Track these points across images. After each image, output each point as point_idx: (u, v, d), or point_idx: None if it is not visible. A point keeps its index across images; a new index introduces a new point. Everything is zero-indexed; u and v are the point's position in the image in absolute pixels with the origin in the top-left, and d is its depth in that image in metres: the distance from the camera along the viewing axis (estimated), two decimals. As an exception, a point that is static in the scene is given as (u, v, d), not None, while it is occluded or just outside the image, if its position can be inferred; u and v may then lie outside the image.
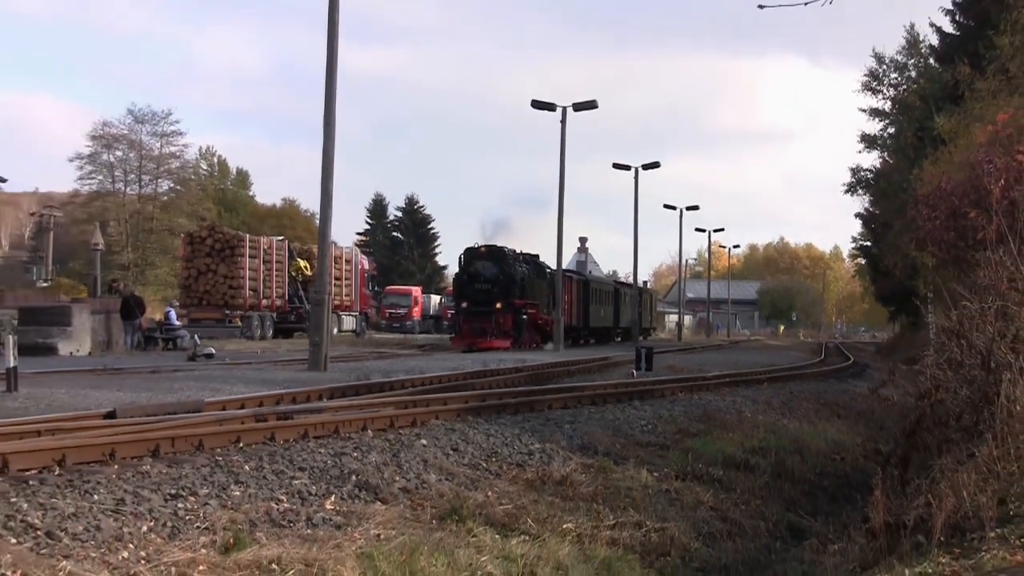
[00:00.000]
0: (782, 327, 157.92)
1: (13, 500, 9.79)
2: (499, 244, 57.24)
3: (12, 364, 20.29)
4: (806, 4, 8.77)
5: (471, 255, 56.30)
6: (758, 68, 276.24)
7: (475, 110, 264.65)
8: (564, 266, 64.34)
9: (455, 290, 60.51)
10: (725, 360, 47.64)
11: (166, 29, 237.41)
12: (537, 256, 61.84)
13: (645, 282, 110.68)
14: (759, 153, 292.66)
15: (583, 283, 71.93)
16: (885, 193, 65.39)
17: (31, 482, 10.46)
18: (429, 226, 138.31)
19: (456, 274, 60.84)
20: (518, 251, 58.48)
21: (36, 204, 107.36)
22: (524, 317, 55.90)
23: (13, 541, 8.85)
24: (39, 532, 9.19)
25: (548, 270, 62.15)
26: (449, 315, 76.91)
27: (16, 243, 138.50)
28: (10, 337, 22.09)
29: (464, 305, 54.89)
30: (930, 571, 9.12)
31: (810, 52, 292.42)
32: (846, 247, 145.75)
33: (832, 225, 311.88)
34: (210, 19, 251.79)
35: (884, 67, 69.08)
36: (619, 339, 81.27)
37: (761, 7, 8.92)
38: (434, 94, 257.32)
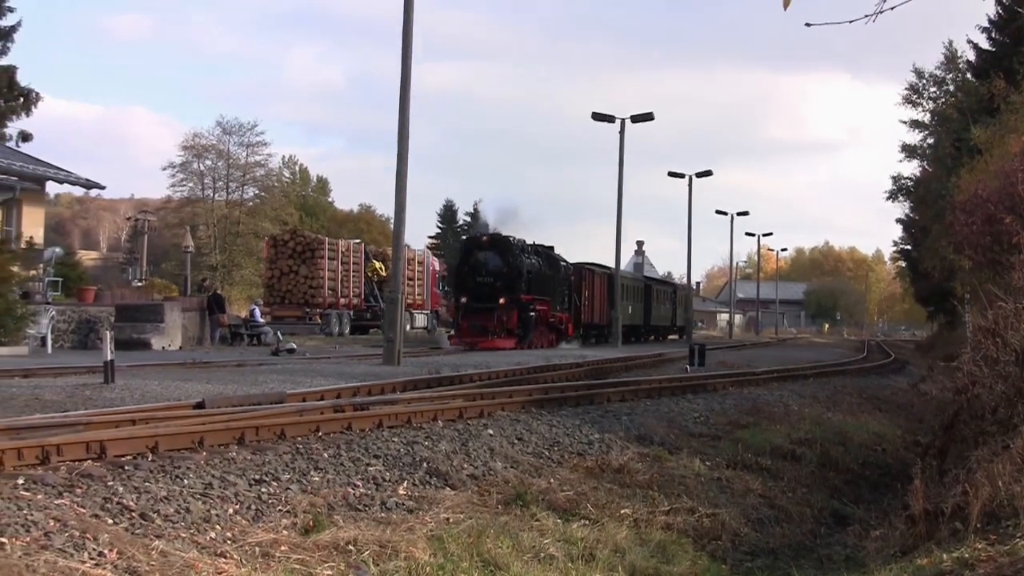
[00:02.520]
0: (827, 326, 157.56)
1: (110, 484, 9.85)
2: (506, 233, 49.87)
3: (109, 357, 20.43)
4: (851, 23, 8.65)
5: (472, 245, 49.84)
6: (804, 83, 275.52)
7: (538, 123, 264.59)
8: (622, 268, 63.70)
9: (454, 284, 52.11)
10: (773, 356, 47.46)
11: (255, 49, 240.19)
12: (551, 248, 54.73)
13: (698, 283, 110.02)
14: (806, 162, 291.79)
15: (608, 278, 63.94)
16: (924, 200, 64.95)
17: (126, 467, 10.51)
18: (493, 231, 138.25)
19: (456, 265, 52.66)
20: (528, 241, 51.12)
21: (132, 209, 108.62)
22: (532, 314, 48.24)
23: (110, 522, 8.90)
24: (134, 514, 9.23)
25: (563, 263, 55.75)
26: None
27: (114, 245, 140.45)
28: (107, 333, 22.27)
29: (464, 300, 47.31)
30: (967, 556, 9.03)
31: (853, 67, 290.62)
32: (887, 250, 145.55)
33: (874, 230, 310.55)
34: (295, 39, 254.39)
35: (924, 81, 68.83)
36: (652, 337, 75.14)
37: (808, 25, 8.82)
38: (500, 107, 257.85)
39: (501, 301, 46.08)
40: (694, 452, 17.26)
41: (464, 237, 49.36)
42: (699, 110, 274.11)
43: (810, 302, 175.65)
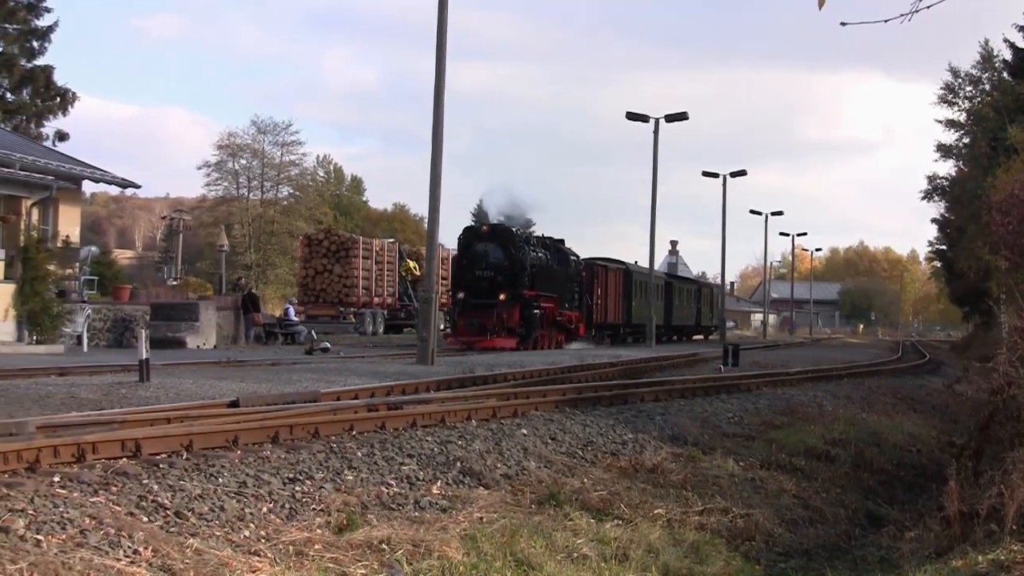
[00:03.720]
0: (861, 326, 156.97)
1: (145, 482, 9.89)
2: (508, 224, 46.33)
3: (144, 356, 20.48)
4: (886, 22, 8.61)
5: (471, 235, 44.79)
6: (838, 82, 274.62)
7: (571, 124, 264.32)
8: (656, 268, 63.21)
9: (452, 278, 48.09)
10: (807, 357, 47.30)
11: (289, 49, 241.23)
12: (562, 241, 50.98)
13: (732, 283, 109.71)
14: (840, 162, 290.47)
15: (623, 274, 60.78)
16: (960, 200, 64.66)
17: (161, 465, 10.55)
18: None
19: (453, 258, 49.08)
20: (534, 233, 48.05)
21: (167, 208, 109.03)
22: (536, 312, 44.02)
23: (145, 520, 8.94)
24: (168, 512, 9.27)
25: (573, 257, 51.90)
26: None
27: (149, 244, 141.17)
28: (142, 331, 22.35)
29: (461, 296, 43.12)
30: (1003, 558, 9.00)
31: (888, 66, 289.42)
32: (922, 251, 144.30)
33: (909, 230, 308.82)
34: (329, 40, 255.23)
35: (959, 80, 68.60)
36: (674, 338, 71.18)
37: (843, 24, 8.78)
38: (533, 108, 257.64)
39: (502, 297, 42.33)
40: (728, 452, 17.23)
41: (464, 226, 43.53)
42: (733, 110, 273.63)
43: (844, 302, 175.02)
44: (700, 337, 78.63)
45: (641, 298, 61.91)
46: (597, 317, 55.53)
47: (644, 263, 62.66)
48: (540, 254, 46.18)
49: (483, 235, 44.08)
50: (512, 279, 42.77)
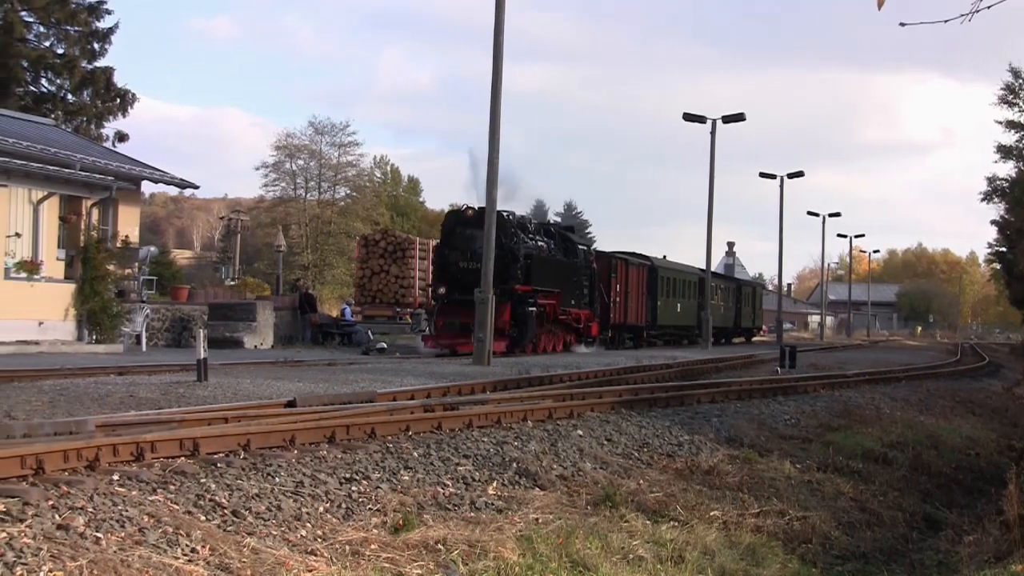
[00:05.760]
0: (919, 328, 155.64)
1: (203, 481, 9.95)
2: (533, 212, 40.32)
3: (202, 356, 20.56)
4: (946, 22, 8.55)
5: (455, 220, 38.49)
6: (897, 83, 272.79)
7: (628, 124, 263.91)
8: (712, 269, 62.70)
9: (433, 270, 41.19)
10: (864, 359, 47.03)
11: (346, 51, 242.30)
12: (570, 228, 46.77)
13: (790, 285, 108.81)
14: (899, 163, 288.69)
15: (647, 270, 55.05)
16: (1020, 201, 64.08)
17: (219, 465, 10.60)
18: (587, 230, 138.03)
19: (436, 246, 41.93)
20: (532, 219, 42.22)
21: (225, 209, 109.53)
22: (531, 309, 37.58)
23: (202, 518, 9.00)
24: (226, 511, 9.33)
25: (582, 247, 45.68)
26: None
27: (207, 244, 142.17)
28: (201, 331, 22.46)
29: (442, 291, 37.03)
30: (1063, 563, 8.92)
31: (947, 66, 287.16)
32: (982, 252, 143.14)
33: (969, 231, 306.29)
34: (386, 40, 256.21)
35: (1020, 81, 67.76)
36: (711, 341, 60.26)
37: (902, 25, 8.72)
38: (589, 109, 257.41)
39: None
40: (784, 454, 17.18)
41: (449, 211, 39.26)
42: (790, 111, 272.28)
43: (902, 304, 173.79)
44: (741, 340, 74.76)
45: (669, 297, 57.99)
46: (615, 317, 49.94)
47: (680, 261, 62.00)
48: (539, 243, 40.74)
49: (468, 219, 37.53)
50: (502, 271, 35.28)
